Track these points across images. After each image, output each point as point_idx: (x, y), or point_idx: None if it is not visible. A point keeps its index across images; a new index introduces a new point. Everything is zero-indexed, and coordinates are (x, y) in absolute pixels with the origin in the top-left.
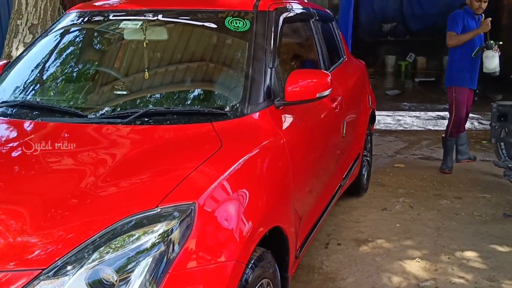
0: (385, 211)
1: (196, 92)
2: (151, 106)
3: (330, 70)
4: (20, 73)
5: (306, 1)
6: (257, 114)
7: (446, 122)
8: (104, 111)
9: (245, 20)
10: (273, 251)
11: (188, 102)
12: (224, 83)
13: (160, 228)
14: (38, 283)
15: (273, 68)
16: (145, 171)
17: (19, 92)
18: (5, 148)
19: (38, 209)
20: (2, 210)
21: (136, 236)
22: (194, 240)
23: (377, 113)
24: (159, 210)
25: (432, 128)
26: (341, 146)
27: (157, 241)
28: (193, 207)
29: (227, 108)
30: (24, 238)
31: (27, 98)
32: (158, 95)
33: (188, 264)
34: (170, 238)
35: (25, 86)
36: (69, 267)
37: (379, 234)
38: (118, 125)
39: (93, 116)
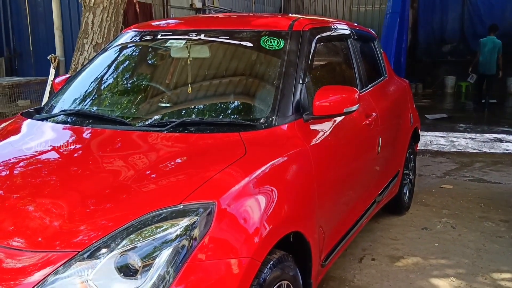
0: (425, 230)
1: (228, 105)
2: (188, 117)
3: (368, 87)
4: (79, 86)
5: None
6: (285, 126)
7: (503, 144)
8: (146, 120)
9: (279, 39)
10: (297, 256)
11: (221, 114)
12: (255, 96)
13: (184, 222)
14: (73, 264)
15: (304, 84)
16: (175, 172)
17: (77, 102)
18: (60, 149)
19: (79, 200)
20: (49, 199)
21: (164, 227)
22: (212, 236)
23: (429, 133)
24: (182, 206)
25: (488, 151)
26: (377, 162)
27: (179, 233)
28: (213, 206)
29: (256, 120)
30: (64, 224)
31: (83, 108)
32: (195, 107)
33: (205, 257)
34: (191, 232)
35: (82, 97)
36: (101, 251)
37: (416, 252)
38: (157, 132)
39: (137, 124)
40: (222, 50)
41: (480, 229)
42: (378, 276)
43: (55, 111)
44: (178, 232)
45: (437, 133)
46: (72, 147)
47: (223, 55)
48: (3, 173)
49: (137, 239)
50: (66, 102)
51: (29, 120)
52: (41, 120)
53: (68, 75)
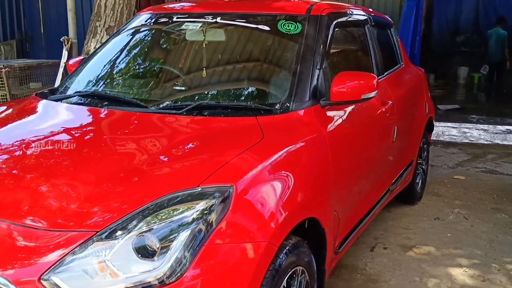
0: (438, 220)
1: (245, 89)
2: (203, 100)
3: (384, 75)
4: (93, 68)
5: (371, 9)
6: (302, 111)
7: None
8: (161, 103)
9: (297, 23)
10: (311, 243)
11: (237, 98)
12: (272, 81)
13: (201, 205)
14: (91, 244)
15: (321, 70)
16: (191, 155)
17: (91, 84)
18: (75, 130)
19: (96, 181)
20: (65, 179)
21: (180, 210)
22: (229, 220)
23: (441, 124)
24: (200, 189)
25: (500, 143)
26: (391, 151)
27: (197, 216)
28: (231, 190)
29: (272, 104)
30: (81, 204)
31: (98, 89)
32: (211, 91)
33: (222, 241)
34: (208, 216)
35: (96, 79)
36: (119, 232)
37: (428, 242)
38: (173, 115)
39: (153, 107)
40: (238, 33)
41: (493, 221)
42: (390, 265)
43: (70, 92)
44: (195, 215)
45: (449, 124)
46: (88, 128)
47: (240, 38)
48: (19, 153)
49: (154, 221)
50: (80, 83)
51: (44, 101)
52: (56, 100)
53: (82, 57)
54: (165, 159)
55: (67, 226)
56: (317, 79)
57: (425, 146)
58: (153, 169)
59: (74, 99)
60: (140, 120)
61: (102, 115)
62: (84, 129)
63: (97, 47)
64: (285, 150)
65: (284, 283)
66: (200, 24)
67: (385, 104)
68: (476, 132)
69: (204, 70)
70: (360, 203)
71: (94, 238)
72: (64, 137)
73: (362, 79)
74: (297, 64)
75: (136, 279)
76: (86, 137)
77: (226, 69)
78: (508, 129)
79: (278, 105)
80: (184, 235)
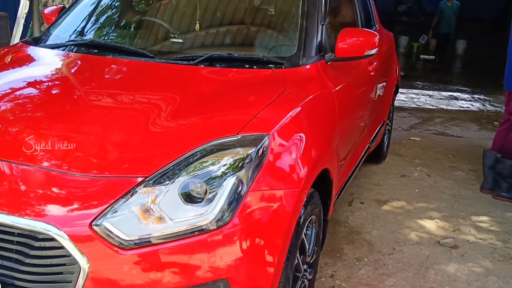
0: (404, 177)
1: (254, 42)
2: (213, 52)
3: None
4: (82, 16)
5: None
6: (311, 66)
7: (458, 102)
8: (171, 53)
9: None
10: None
11: (247, 50)
12: (280, 35)
13: (243, 152)
14: (141, 189)
15: (324, 25)
16: (223, 105)
17: (86, 33)
18: (96, 79)
19: (139, 127)
20: (108, 126)
21: (224, 157)
22: (267, 167)
23: None
24: (239, 137)
25: (445, 107)
26: (373, 110)
27: (240, 163)
28: (267, 138)
29: (283, 58)
30: (128, 150)
31: (97, 39)
32: (221, 42)
33: (263, 187)
34: (250, 162)
35: (90, 28)
36: (166, 178)
37: (399, 197)
38: (191, 66)
39: (159, 57)
40: None
41: (453, 178)
42: (369, 218)
43: (58, 41)
44: (238, 162)
45: None
46: (108, 76)
47: None
48: (49, 101)
49: (199, 168)
50: (69, 33)
51: (43, 50)
52: (53, 49)
53: (59, 6)
54: (200, 108)
55: (116, 172)
56: (321, 35)
57: (391, 108)
58: (190, 118)
59: (74, 49)
60: (157, 70)
61: (116, 65)
62: (105, 77)
63: None
64: (305, 102)
65: (305, 230)
66: None
67: (371, 64)
68: (423, 98)
69: (214, 21)
70: (351, 158)
71: (143, 184)
72: (89, 85)
73: (365, 36)
74: (303, 18)
75: (184, 224)
76: (110, 85)
77: (235, 20)
78: (451, 95)
79: (289, 59)
80: (229, 182)
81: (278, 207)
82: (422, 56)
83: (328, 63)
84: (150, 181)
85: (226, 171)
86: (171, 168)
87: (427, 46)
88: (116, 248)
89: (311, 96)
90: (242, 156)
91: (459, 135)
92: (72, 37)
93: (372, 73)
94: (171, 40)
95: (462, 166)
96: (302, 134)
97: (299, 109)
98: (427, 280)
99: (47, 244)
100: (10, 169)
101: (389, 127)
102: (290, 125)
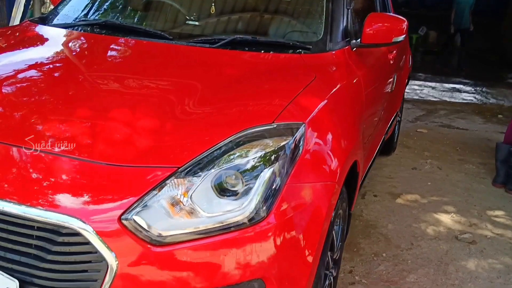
0: (415, 170)
1: (278, 25)
2: (236, 34)
3: None
4: None
5: None
6: (338, 52)
7: (461, 94)
8: (192, 36)
9: None
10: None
11: (272, 34)
12: (305, 18)
13: (279, 142)
14: (173, 180)
15: (349, 9)
16: (254, 90)
17: (96, 13)
18: (119, 62)
19: (169, 115)
20: (137, 114)
21: (259, 147)
22: (303, 158)
23: None
24: (275, 125)
25: (448, 100)
26: (390, 99)
27: (277, 154)
28: (303, 127)
29: (310, 43)
30: (159, 139)
31: (111, 19)
32: (244, 26)
33: (299, 180)
34: (287, 153)
35: (103, 8)
36: (199, 169)
37: (412, 190)
38: (214, 49)
39: (181, 40)
40: None
41: (463, 171)
42: (383, 211)
43: (69, 21)
44: (275, 153)
45: None
46: (128, 59)
47: None
48: (69, 86)
49: (234, 159)
50: (80, 12)
51: (55, 29)
52: (66, 28)
53: None
54: (228, 94)
55: (145, 162)
56: (347, 19)
57: (403, 98)
58: (220, 105)
59: (87, 28)
60: (179, 53)
61: (133, 46)
62: (124, 60)
63: None
64: (336, 90)
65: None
66: None
67: (391, 52)
68: (426, 90)
69: (237, 3)
70: (370, 149)
71: (175, 175)
72: (110, 68)
73: (393, 22)
74: (329, 1)
75: (219, 219)
76: (132, 68)
77: (260, 3)
78: (453, 87)
79: (315, 44)
80: (266, 174)
81: (314, 202)
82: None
83: (354, 49)
84: (182, 172)
85: (262, 162)
86: (204, 158)
87: (426, 38)
88: (147, 244)
89: (340, 84)
90: (278, 147)
91: (465, 128)
92: (83, 17)
93: (391, 62)
94: (189, 21)
95: (471, 159)
96: (335, 124)
97: (331, 97)
98: (449, 277)
99: (71, 239)
100: (32, 157)
101: (399, 118)
102: (323, 114)
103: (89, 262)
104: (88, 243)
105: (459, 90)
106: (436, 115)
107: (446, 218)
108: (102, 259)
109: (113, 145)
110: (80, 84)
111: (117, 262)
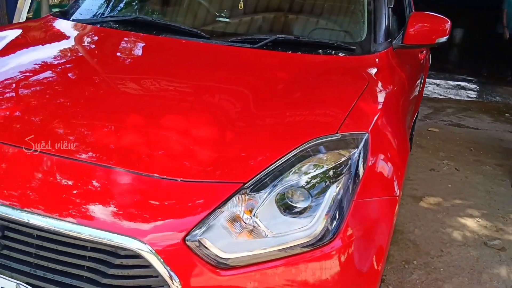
0: (434, 171)
1: (318, 24)
2: (275, 33)
3: None
4: None
5: None
6: (382, 53)
7: (466, 92)
8: (231, 35)
9: None
10: None
11: (312, 34)
12: (348, 18)
13: (345, 154)
14: (238, 197)
15: (390, 8)
16: (310, 96)
17: (121, 8)
18: (161, 63)
19: (228, 122)
20: (193, 120)
21: (325, 160)
22: (370, 170)
23: None
24: (339, 136)
25: (453, 97)
26: (416, 99)
27: (344, 166)
28: (367, 137)
29: (355, 44)
30: (222, 151)
31: (141, 16)
32: (282, 23)
33: (367, 194)
34: (353, 166)
35: (124, 2)
36: (264, 185)
37: (434, 193)
38: (256, 49)
39: (219, 39)
40: None
41: (481, 172)
42: (408, 215)
43: (93, 16)
44: (343, 165)
45: None
46: (169, 59)
47: None
48: (113, 87)
49: (300, 173)
50: (105, 7)
51: (88, 26)
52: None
53: None
54: (283, 100)
55: (209, 177)
56: (389, 19)
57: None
58: (278, 112)
59: (116, 25)
60: (220, 54)
61: (171, 46)
62: (166, 61)
63: None
64: (388, 95)
65: None
66: None
67: (422, 52)
68: (431, 87)
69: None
70: None
71: (240, 192)
72: (153, 70)
73: (437, 22)
74: (370, 1)
75: (286, 239)
76: (176, 71)
77: (307, 4)
78: (458, 85)
79: (359, 44)
80: (334, 189)
81: (381, 217)
82: None
83: (395, 50)
84: (248, 189)
85: (329, 177)
86: (270, 173)
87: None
88: (213, 268)
89: (390, 88)
90: (344, 159)
91: (475, 127)
92: (108, 12)
93: (422, 62)
94: (220, 18)
95: (486, 160)
96: (391, 132)
97: (384, 103)
98: (483, 285)
99: (130, 261)
100: (84, 171)
101: (416, 118)
102: (381, 122)
103: (149, 287)
104: (149, 266)
105: (464, 88)
106: (444, 113)
107: (472, 223)
108: (164, 284)
109: (173, 158)
110: (124, 89)
111: (180, 287)
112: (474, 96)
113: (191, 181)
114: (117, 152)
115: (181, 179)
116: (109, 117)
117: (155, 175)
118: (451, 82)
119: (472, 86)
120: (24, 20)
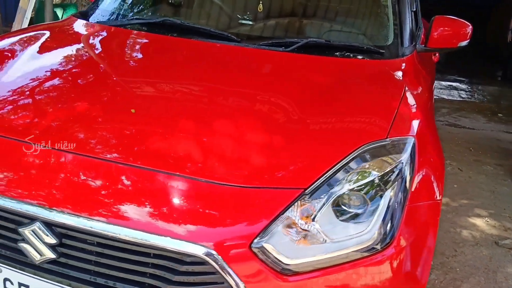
0: None
1: (344, 27)
2: (303, 37)
3: None
4: None
5: None
6: (409, 57)
7: (458, 92)
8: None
9: None
10: None
11: (339, 37)
12: (374, 21)
13: (397, 159)
14: (299, 203)
15: (413, 11)
16: (355, 101)
17: (144, 10)
18: (197, 67)
19: (281, 127)
20: (246, 126)
21: (377, 165)
22: (418, 174)
23: None
24: (389, 141)
25: (446, 98)
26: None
27: (397, 171)
28: (414, 141)
29: (383, 47)
30: (279, 156)
31: (169, 18)
32: (308, 26)
33: (417, 199)
34: (405, 170)
35: (148, 4)
36: (322, 190)
37: None
38: (288, 53)
39: (250, 42)
40: None
41: (483, 172)
42: None
43: (117, 18)
44: (393, 171)
45: None
46: (207, 64)
47: None
48: (156, 91)
49: (355, 178)
50: (128, 9)
51: (113, 28)
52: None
53: None
54: (328, 107)
55: (271, 183)
56: (412, 22)
57: None
58: (326, 117)
59: (143, 28)
60: (255, 57)
61: (205, 49)
62: (204, 65)
63: None
64: (424, 99)
65: None
66: None
67: (435, 55)
68: None
69: (306, 4)
70: None
71: (301, 197)
72: (189, 75)
73: (459, 26)
74: (395, 2)
75: (346, 244)
76: (213, 75)
77: (330, 5)
78: (450, 85)
79: (387, 48)
80: (388, 193)
81: (428, 222)
82: None
83: (420, 52)
84: (308, 194)
85: (383, 181)
86: (328, 178)
87: None
88: (278, 274)
89: (422, 92)
90: (396, 164)
91: (471, 127)
92: (131, 14)
93: (435, 64)
94: (242, 21)
95: (486, 160)
96: (430, 135)
97: (421, 107)
98: (500, 285)
99: (196, 268)
100: (148, 179)
101: None
102: (423, 126)
103: None
104: (215, 272)
105: (456, 88)
106: (439, 113)
107: (481, 223)
108: None
109: (233, 163)
110: (170, 94)
111: None
112: (466, 96)
113: (252, 187)
114: (177, 158)
115: (244, 185)
116: (161, 122)
117: (217, 181)
118: (443, 83)
119: (464, 86)
120: (28, 19)
